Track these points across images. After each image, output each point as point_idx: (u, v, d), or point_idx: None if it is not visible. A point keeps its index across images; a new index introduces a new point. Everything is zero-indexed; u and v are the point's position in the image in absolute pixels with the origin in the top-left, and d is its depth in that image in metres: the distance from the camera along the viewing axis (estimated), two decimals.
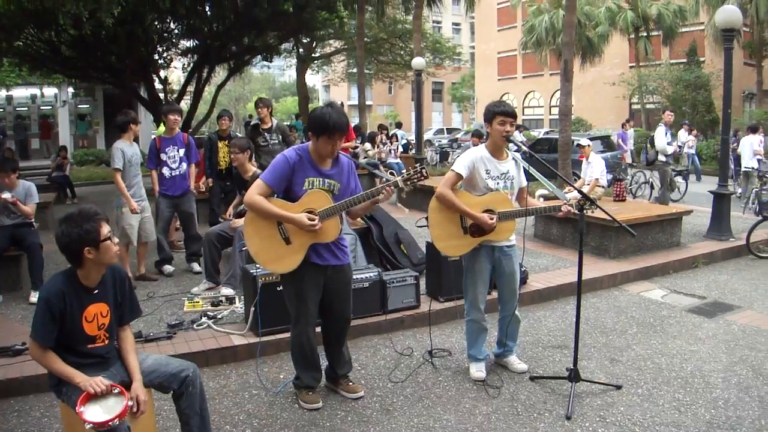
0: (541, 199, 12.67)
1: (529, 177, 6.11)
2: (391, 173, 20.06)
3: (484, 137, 17.90)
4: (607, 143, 23.24)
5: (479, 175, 5.74)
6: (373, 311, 7.41)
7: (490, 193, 5.73)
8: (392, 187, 5.08)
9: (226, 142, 11.25)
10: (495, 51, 61.66)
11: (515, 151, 5.90)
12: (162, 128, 11.46)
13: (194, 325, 7.12)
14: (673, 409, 5.46)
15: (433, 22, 65.10)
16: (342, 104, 14.87)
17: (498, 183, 5.76)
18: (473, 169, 5.74)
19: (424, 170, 5.10)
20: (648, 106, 41.28)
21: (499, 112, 5.65)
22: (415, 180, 5.13)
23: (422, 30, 31.08)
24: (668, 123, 15.52)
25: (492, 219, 5.61)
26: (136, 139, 9.18)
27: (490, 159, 5.77)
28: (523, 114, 59.27)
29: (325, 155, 5.08)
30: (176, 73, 33.67)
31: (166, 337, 6.75)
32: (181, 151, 9.69)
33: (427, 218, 5.86)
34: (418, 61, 22.12)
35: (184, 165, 9.72)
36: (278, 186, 5.07)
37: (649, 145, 15.05)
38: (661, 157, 14.79)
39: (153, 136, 10.36)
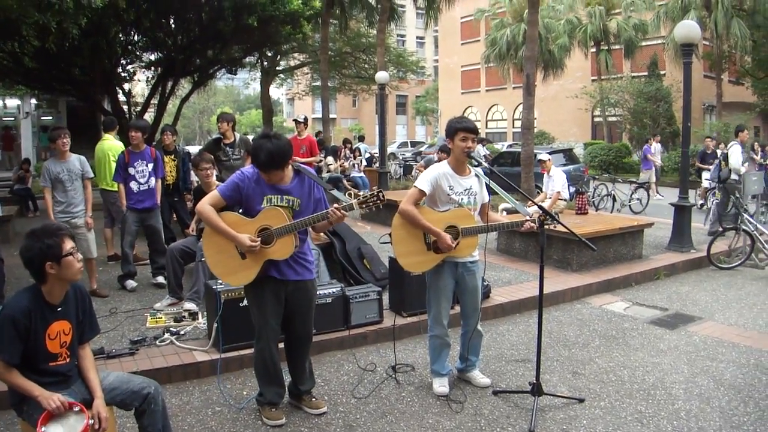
0: (504, 213, 12.73)
1: (491, 192, 6.14)
2: (354, 186, 20.11)
3: (449, 153, 18.07)
4: (569, 156, 23.45)
5: (442, 191, 5.76)
6: (336, 326, 7.40)
7: (452, 209, 5.75)
8: (345, 211, 5.07)
9: (172, 157, 11.20)
10: (458, 64, 61.96)
11: (476, 166, 5.93)
12: (106, 139, 11.49)
13: (157, 342, 7.05)
14: (635, 421, 5.51)
15: (397, 36, 65.37)
16: (306, 118, 14.81)
17: (461, 198, 5.79)
18: (436, 186, 5.76)
19: (381, 194, 5.10)
20: (610, 118, 41.74)
21: (461, 128, 5.69)
22: (371, 204, 5.13)
23: (386, 44, 31.14)
24: (743, 141, 15.19)
25: (454, 243, 5.65)
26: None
27: (453, 175, 5.80)
28: (487, 127, 59.56)
29: (274, 182, 5.10)
30: (140, 85, 33.43)
31: (129, 354, 6.68)
32: (150, 166, 9.67)
33: (390, 234, 5.85)
34: (381, 75, 22.22)
35: (152, 180, 9.69)
36: (229, 199, 5.12)
37: (722, 163, 14.84)
38: (734, 176, 14.46)
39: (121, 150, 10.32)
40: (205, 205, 5.12)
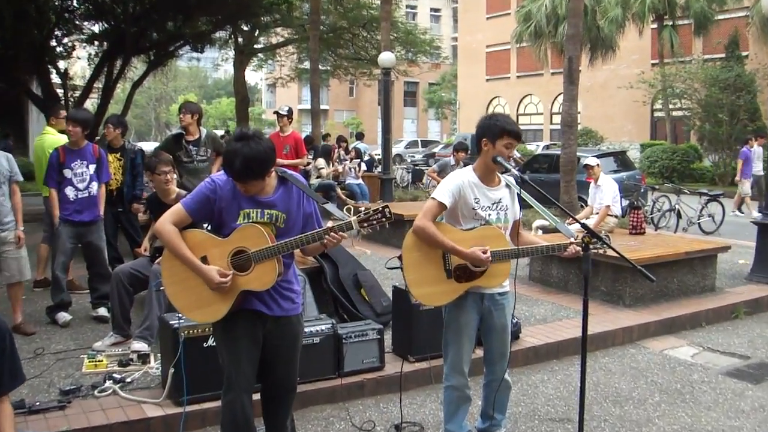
0: (539, 233, 12.73)
1: (523, 205, 6.11)
2: (350, 196, 20.09)
3: (468, 152, 18.05)
4: (622, 161, 23.42)
5: (466, 204, 5.73)
6: (325, 374, 7.39)
7: (479, 228, 5.72)
8: (342, 232, 5.02)
9: (118, 155, 11.16)
10: (483, 44, 62.14)
11: (503, 172, 5.90)
12: (48, 132, 11.39)
13: (95, 391, 7.01)
14: None
15: (407, 7, 65.77)
16: (290, 111, 14.80)
17: (489, 214, 5.77)
18: (459, 197, 5.73)
19: (387, 210, 4.98)
20: (674, 113, 41.56)
21: (510, 131, 5.68)
22: (374, 223, 5.00)
23: (392, 18, 31.25)
24: None
25: (486, 253, 5.60)
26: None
27: (479, 185, 5.77)
28: (518, 123, 59.64)
29: (253, 193, 5.08)
30: (80, 64, 33.51)
31: (58, 407, 6.63)
32: (92, 168, 9.63)
33: (400, 258, 5.82)
34: (386, 57, 22.22)
35: (95, 185, 9.66)
36: (197, 215, 5.07)
37: None
38: None
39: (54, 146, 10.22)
40: (165, 224, 5.05)
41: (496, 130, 5.65)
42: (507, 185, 5.92)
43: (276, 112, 14.80)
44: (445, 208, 5.71)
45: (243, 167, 4.81)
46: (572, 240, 5.71)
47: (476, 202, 5.74)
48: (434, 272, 5.77)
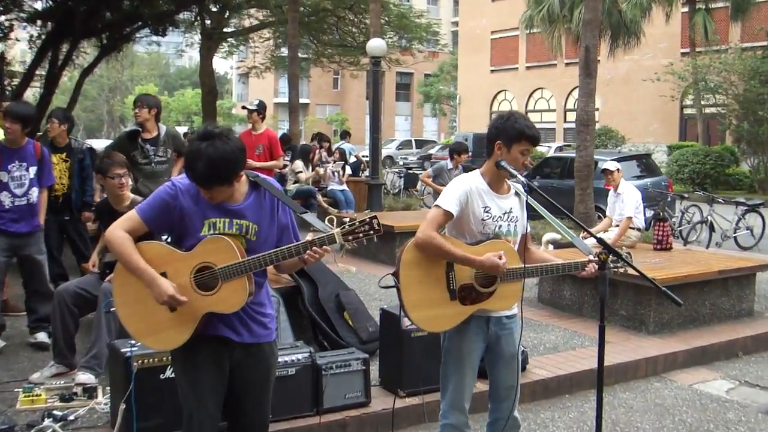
0: (550, 248, 12.70)
1: (532, 215, 6.08)
2: (333, 204, 20.06)
3: (470, 153, 17.99)
4: (646, 165, 23.46)
5: (474, 214, 5.71)
6: (302, 410, 7.37)
7: (488, 242, 5.70)
8: (324, 246, 4.97)
9: (63, 155, 11.09)
10: (487, 30, 62.43)
11: (509, 178, 5.88)
12: None
13: (32, 431, 6.97)
14: None
15: None
16: (262, 105, 14.66)
17: (500, 225, 5.77)
18: (466, 206, 5.70)
19: (375, 221, 4.94)
20: (708, 110, 41.67)
21: (530, 136, 5.68)
22: (360, 236, 4.96)
23: None
24: None
25: (501, 258, 5.58)
26: None
27: (489, 192, 5.77)
28: None
29: (220, 200, 5.02)
30: (19, 47, 33.38)
31: None
32: (32, 170, 9.55)
33: (395, 275, 5.78)
34: (375, 44, 22.22)
35: (35, 191, 9.58)
36: (154, 223, 5.02)
37: None
38: None
39: None
40: (116, 231, 4.99)
41: (514, 133, 5.63)
42: (516, 193, 5.93)
43: (245, 108, 14.71)
44: (451, 217, 5.67)
45: (207, 170, 4.76)
46: (591, 257, 5.72)
47: (486, 212, 5.73)
48: (436, 293, 5.72)
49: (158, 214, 5.01)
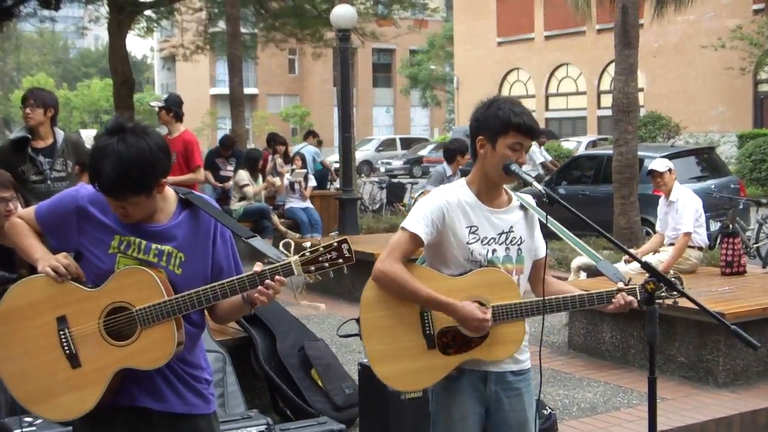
0: (583, 276, 12.69)
1: (551, 236, 6.04)
2: (292, 226, 20.05)
3: (468, 155, 17.76)
4: (708, 162, 23.39)
5: (455, 235, 5.63)
6: None
7: (477, 270, 5.64)
8: (279, 278, 4.87)
9: None
10: None
11: (522, 188, 5.89)
12: None
13: None
14: None
15: None
16: (174, 101, 14.51)
17: (492, 251, 5.69)
18: (442, 226, 5.61)
19: (344, 246, 4.86)
20: None
21: (518, 124, 5.52)
22: (326, 265, 4.89)
23: None
24: None
25: (485, 313, 5.49)
26: None
27: (477, 205, 5.69)
28: (547, 109, 60.00)
29: (136, 218, 4.95)
30: None
31: None
32: None
33: (358, 321, 5.81)
34: (342, 12, 22.17)
35: None
36: (47, 226, 5.01)
37: None
38: None
39: None
40: (16, 218, 5.12)
41: (497, 124, 5.51)
42: (522, 206, 5.85)
43: (155, 105, 14.66)
44: (420, 242, 5.59)
45: (116, 173, 4.63)
46: (620, 285, 5.57)
47: (472, 233, 5.63)
48: (409, 340, 5.66)
49: (53, 221, 5.01)
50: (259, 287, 4.81)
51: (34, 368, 4.98)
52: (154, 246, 4.93)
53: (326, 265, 4.88)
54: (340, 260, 4.88)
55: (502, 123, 5.47)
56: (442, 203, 5.60)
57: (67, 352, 4.92)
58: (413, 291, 5.50)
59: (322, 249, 4.86)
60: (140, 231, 4.93)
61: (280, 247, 5.07)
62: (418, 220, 5.57)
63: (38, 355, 4.97)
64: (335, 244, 4.87)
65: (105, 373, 4.88)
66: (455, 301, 5.45)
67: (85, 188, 4.99)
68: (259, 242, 5.07)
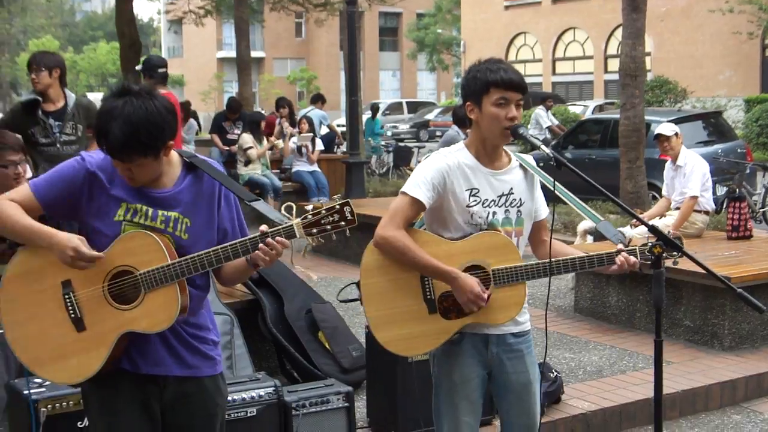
0: (589, 240, 12.65)
1: (554, 199, 5.96)
2: (299, 191, 20.04)
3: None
4: (715, 127, 23.32)
5: (456, 199, 5.62)
6: None
7: (476, 234, 5.64)
8: (281, 240, 4.84)
9: None
10: None
11: (528, 151, 5.85)
12: None
13: None
14: None
15: None
16: (148, 63, 14.37)
17: (493, 213, 5.69)
18: (443, 190, 5.60)
19: (346, 209, 4.83)
20: None
21: (498, 81, 5.50)
22: (328, 228, 4.85)
23: None
24: None
25: (485, 293, 5.46)
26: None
27: (477, 167, 5.68)
28: (554, 73, 59.82)
29: (141, 182, 4.91)
30: None
31: None
32: None
33: (358, 284, 5.82)
34: None
35: None
36: (52, 204, 4.90)
37: None
38: None
39: None
40: (2, 200, 4.86)
41: (477, 85, 5.54)
42: (521, 166, 5.83)
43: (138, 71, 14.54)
44: (422, 207, 5.60)
45: (124, 134, 4.61)
46: (620, 246, 5.56)
47: (472, 195, 5.62)
48: (410, 305, 5.66)
49: (58, 194, 4.88)
50: (261, 246, 4.78)
51: (40, 332, 4.99)
52: (160, 213, 4.92)
53: (328, 227, 4.85)
54: (343, 223, 4.85)
55: (481, 83, 5.49)
56: (442, 166, 5.60)
57: (72, 316, 4.93)
58: (414, 257, 5.50)
59: (324, 212, 4.84)
60: (146, 197, 4.91)
61: (282, 210, 5.04)
62: (418, 184, 5.57)
63: (44, 319, 4.98)
64: (337, 206, 4.84)
65: (110, 337, 4.89)
66: (456, 270, 5.47)
67: (89, 155, 4.95)
68: (261, 205, 4.99)
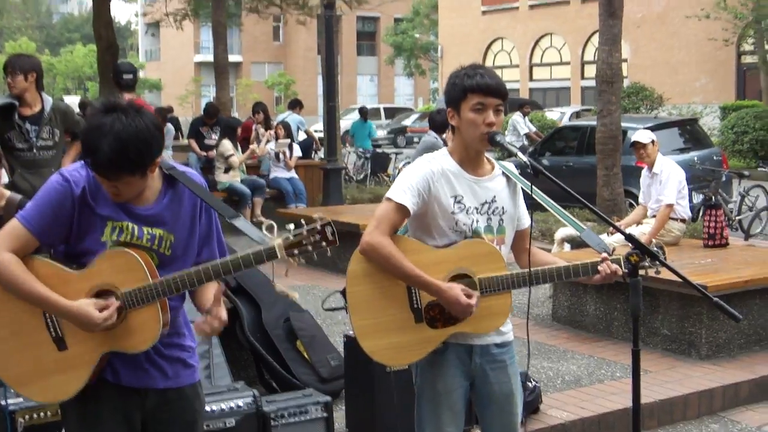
0: (567, 248, 12.67)
1: (535, 207, 6.01)
2: (277, 197, 20.03)
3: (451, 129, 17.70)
4: (691, 134, 23.41)
5: (440, 206, 5.61)
6: None
7: (462, 242, 5.63)
8: (264, 259, 4.84)
9: None
10: None
11: (505, 158, 5.86)
12: None
13: None
14: None
15: None
16: (122, 70, 14.34)
17: (476, 221, 5.68)
18: (428, 197, 5.58)
19: (328, 229, 4.81)
20: None
21: (472, 87, 5.50)
22: (309, 249, 4.84)
23: None
24: None
25: (471, 299, 5.44)
26: None
27: (461, 174, 5.67)
28: (531, 79, 59.96)
29: (126, 198, 4.87)
30: None
31: None
32: None
33: (343, 293, 5.81)
34: None
35: None
36: (48, 235, 4.82)
37: None
38: None
39: None
40: (3, 255, 4.74)
41: (456, 91, 5.55)
42: (504, 174, 5.82)
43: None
44: (407, 213, 5.55)
45: (113, 153, 4.55)
46: (604, 255, 5.56)
47: (457, 202, 5.61)
48: (395, 314, 5.63)
49: (51, 222, 4.78)
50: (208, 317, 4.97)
51: (22, 350, 4.95)
52: (146, 231, 4.89)
53: (309, 248, 4.84)
54: (324, 243, 4.83)
55: (459, 89, 5.51)
56: (427, 172, 5.57)
57: (53, 335, 4.89)
58: (400, 267, 5.46)
59: (305, 232, 4.81)
60: (132, 214, 4.88)
61: (263, 230, 5.01)
62: (404, 190, 5.53)
63: (25, 338, 4.94)
64: (319, 227, 4.81)
65: (92, 356, 4.88)
66: (441, 283, 5.43)
67: (70, 173, 4.85)
68: (242, 223, 4.99)
